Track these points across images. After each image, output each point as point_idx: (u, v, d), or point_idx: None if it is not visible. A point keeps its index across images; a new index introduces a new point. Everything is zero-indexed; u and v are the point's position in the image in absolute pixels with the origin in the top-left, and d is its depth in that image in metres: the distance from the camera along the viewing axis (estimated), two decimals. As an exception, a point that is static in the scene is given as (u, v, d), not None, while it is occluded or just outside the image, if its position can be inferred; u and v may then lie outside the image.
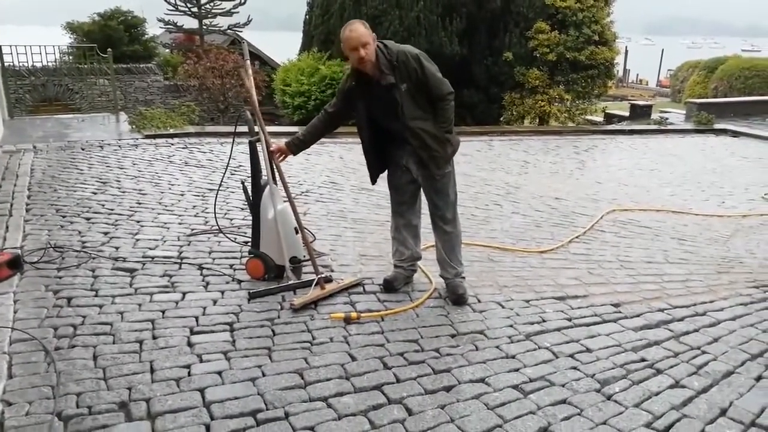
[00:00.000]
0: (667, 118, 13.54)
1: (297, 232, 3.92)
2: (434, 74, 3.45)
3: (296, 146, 3.86)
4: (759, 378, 3.02)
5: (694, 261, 4.86)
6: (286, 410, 2.58)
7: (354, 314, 3.47)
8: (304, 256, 3.95)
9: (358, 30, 3.35)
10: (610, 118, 15.73)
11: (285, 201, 3.93)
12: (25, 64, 12.59)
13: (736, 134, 11.96)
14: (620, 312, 3.77)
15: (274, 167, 3.89)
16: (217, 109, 15.02)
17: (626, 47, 34.94)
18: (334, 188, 6.49)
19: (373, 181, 3.86)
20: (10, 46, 11.53)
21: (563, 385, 2.89)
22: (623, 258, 4.81)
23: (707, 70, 23.81)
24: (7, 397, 2.54)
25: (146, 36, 22.21)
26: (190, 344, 3.08)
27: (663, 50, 46.76)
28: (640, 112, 14.64)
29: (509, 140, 10.65)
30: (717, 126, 12.57)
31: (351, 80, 3.57)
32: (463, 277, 3.87)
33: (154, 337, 3.13)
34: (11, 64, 11.74)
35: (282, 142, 3.92)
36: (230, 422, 2.48)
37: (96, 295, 3.59)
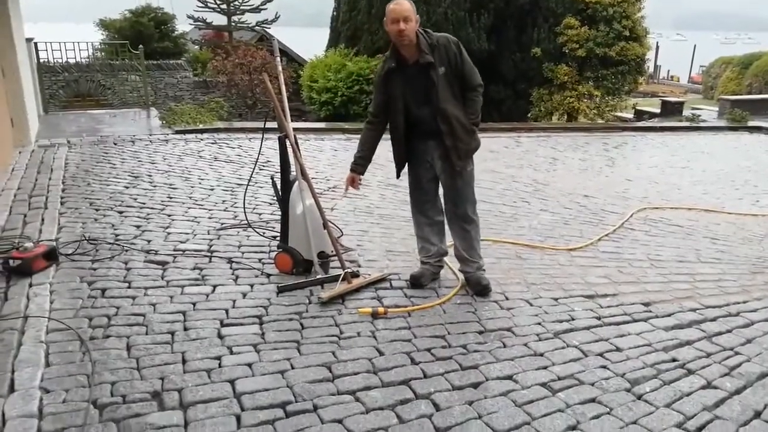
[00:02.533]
0: (699, 115, 13.26)
1: (325, 227, 3.94)
2: (470, 62, 3.58)
3: (361, 165, 3.86)
4: (795, 380, 2.96)
5: (727, 260, 4.76)
6: (315, 403, 2.60)
7: (381, 309, 3.48)
8: (332, 252, 3.97)
9: (403, 4, 3.44)
10: (640, 114, 15.47)
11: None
12: (59, 61, 12.84)
13: (771, 132, 11.67)
14: (651, 311, 3.72)
15: (302, 163, 3.92)
16: (245, 105, 15.16)
17: (657, 43, 34.21)
18: (361, 184, 6.48)
19: (399, 173, 3.87)
20: (45, 42, 11.79)
21: (592, 384, 2.86)
22: (654, 257, 4.74)
23: (741, 66, 23.22)
24: (45, 385, 2.61)
25: (176, 33, 22.47)
26: (220, 336, 3.13)
27: (695, 46, 45.64)
28: (671, 109, 14.38)
29: (537, 137, 10.55)
30: (751, 123, 12.28)
31: (389, 62, 3.61)
32: (484, 269, 3.89)
33: (186, 329, 3.19)
34: (46, 60, 12.00)
35: (347, 173, 3.97)
36: (260, 413, 2.51)
37: (129, 287, 3.66)
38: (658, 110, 14.99)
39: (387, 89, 3.65)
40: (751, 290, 4.14)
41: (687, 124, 12.52)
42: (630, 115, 15.56)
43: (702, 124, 12.43)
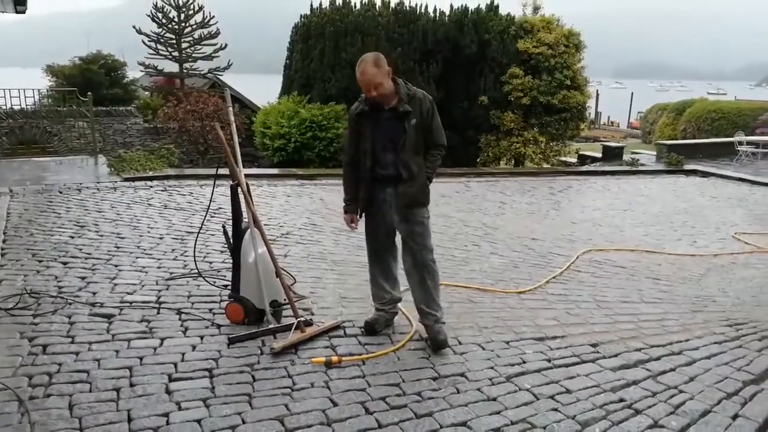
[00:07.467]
0: (638, 159, 13.88)
1: (277, 276, 3.92)
2: (439, 122, 3.75)
3: (353, 206, 3.84)
4: (735, 416, 3.08)
5: (669, 300, 4.95)
6: (267, 458, 2.55)
7: (335, 358, 3.46)
8: (285, 300, 3.94)
9: (368, 73, 3.52)
10: (583, 159, 16.06)
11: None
12: (3, 107, 12.53)
13: (705, 174, 12.32)
14: (598, 352, 3.82)
15: (254, 211, 3.91)
16: (196, 152, 15.06)
17: (597, 90, 35.90)
18: (315, 230, 6.51)
19: (361, 214, 3.86)
20: (-11, 89, 11.52)
21: (544, 428, 2.90)
22: (600, 298, 4.89)
23: (676, 113, 24.58)
24: (-22, 450, 2.48)
25: (126, 79, 22.30)
26: (168, 392, 3.04)
27: (632, 93, 48.17)
28: (612, 154, 14.98)
29: (486, 181, 10.82)
30: (687, 167, 12.93)
31: (363, 104, 3.69)
32: (443, 322, 3.81)
33: (132, 385, 3.08)
34: (-11, 107, 11.69)
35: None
36: (210, 472, 2.44)
37: (72, 342, 3.53)
38: (599, 155, 15.60)
39: (359, 128, 3.72)
40: (692, 329, 4.30)
41: (627, 168, 13.07)
42: (574, 160, 16.15)
43: (641, 168, 13.00)
